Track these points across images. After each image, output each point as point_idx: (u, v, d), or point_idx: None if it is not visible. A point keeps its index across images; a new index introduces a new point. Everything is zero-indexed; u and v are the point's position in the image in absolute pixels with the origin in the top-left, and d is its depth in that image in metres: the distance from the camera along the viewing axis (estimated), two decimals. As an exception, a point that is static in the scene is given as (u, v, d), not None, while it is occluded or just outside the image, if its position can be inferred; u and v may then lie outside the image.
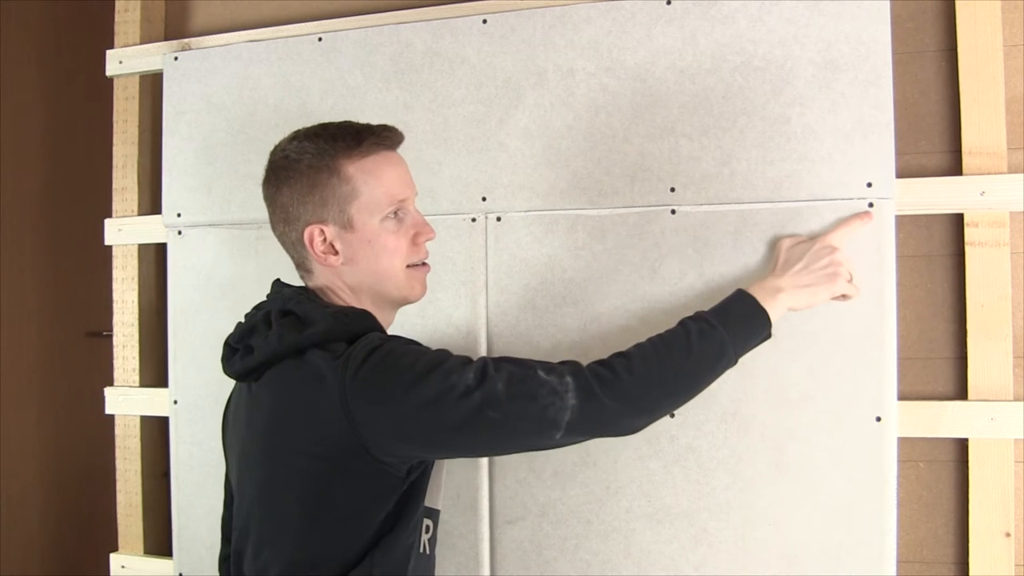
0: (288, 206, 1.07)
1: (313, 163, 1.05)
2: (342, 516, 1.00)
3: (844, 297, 1.14)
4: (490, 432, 0.96)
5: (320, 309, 1.04)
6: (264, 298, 1.14)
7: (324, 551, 1.00)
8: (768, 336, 1.08)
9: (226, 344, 1.11)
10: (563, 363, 1.00)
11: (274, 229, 1.11)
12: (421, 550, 1.09)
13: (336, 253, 1.07)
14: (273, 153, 1.10)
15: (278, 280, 1.15)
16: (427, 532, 1.11)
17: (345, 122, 1.09)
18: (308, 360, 1.00)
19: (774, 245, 1.20)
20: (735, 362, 1.05)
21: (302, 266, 1.11)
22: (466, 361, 0.99)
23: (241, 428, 1.09)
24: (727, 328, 1.04)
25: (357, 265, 1.07)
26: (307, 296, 1.08)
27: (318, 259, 1.07)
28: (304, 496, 1.01)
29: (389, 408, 0.96)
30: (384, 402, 0.96)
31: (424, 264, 1.12)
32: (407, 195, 1.09)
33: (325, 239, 1.06)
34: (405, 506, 1.04)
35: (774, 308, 1.08)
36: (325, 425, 0.97)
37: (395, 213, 1.07)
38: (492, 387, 0.95)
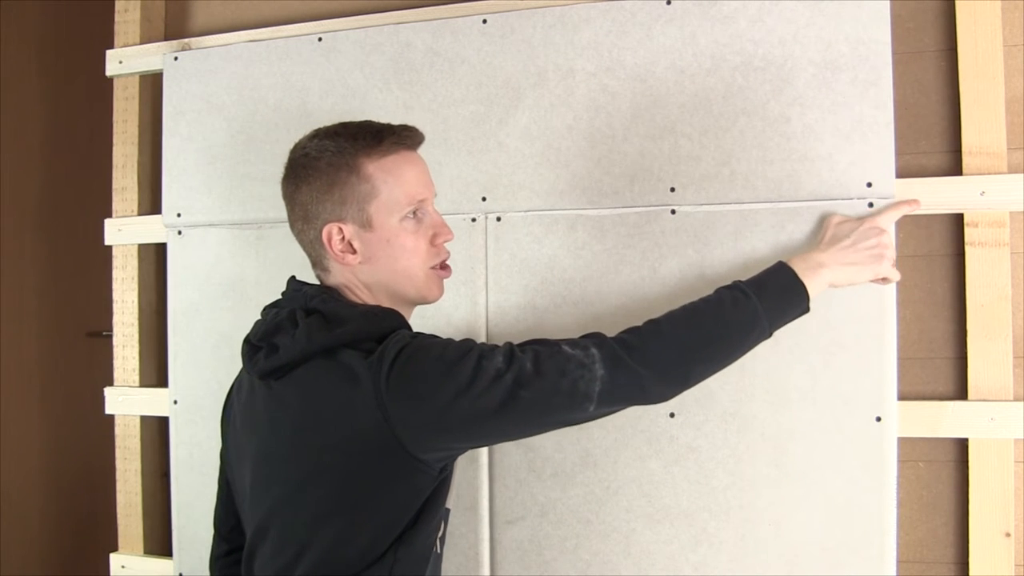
0: (307, 204, 1.07)
1: (333, 161, 1.05)
2: (373, 513, 1.00)
3: (885, 280, 1.13)
4: (526, 412, 0.96)
5: (349, 308, 1.05)
6: (277, 296, 1.14)
7: (353, 548, 1.00)
8: (806, 310, 1.06)
9: (247, 341, 1.10)
10: (586, 336, 1.01)
11: (292, 227, 1.11)
12: (436, 549, 1.09)
13: (354, 252, 1.06)
14: (293, 151, 1.09)
15: (294, 278, 1.14)
16: (438, 531, 1.11)
17: (366, 121, 1.09)
18: (340, 360, 1.00)
19: (822, 221, 1.19)
20: (770, 334, 1.04)
21: (319, 264, 1.11)
22: (493, 347, 0.99)
23: (261, 428, 1.08)
24: (761, 299, 1.03)
25: (375, 264, 1.07)
26: (331, 295, 1.08)
27: (336, 258, 1.06)
28: (336, 494, 1.01)
29: (425, 402, 0.96)
30: (419, 396, 0.96)
31: (445, 266, 1.12)
32: (426, 195, 1.08)
33: (344, 238, 1.06)
34: (428, 505, 1.04)
35: (814, 283, 1.06)
36: (360, 423, 0.97)
37: (414, 213, 1.07)
38: (521, 367, 0.96)
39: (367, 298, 1.09)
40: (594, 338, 1.00)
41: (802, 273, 1.06)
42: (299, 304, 1.07)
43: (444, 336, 1.26)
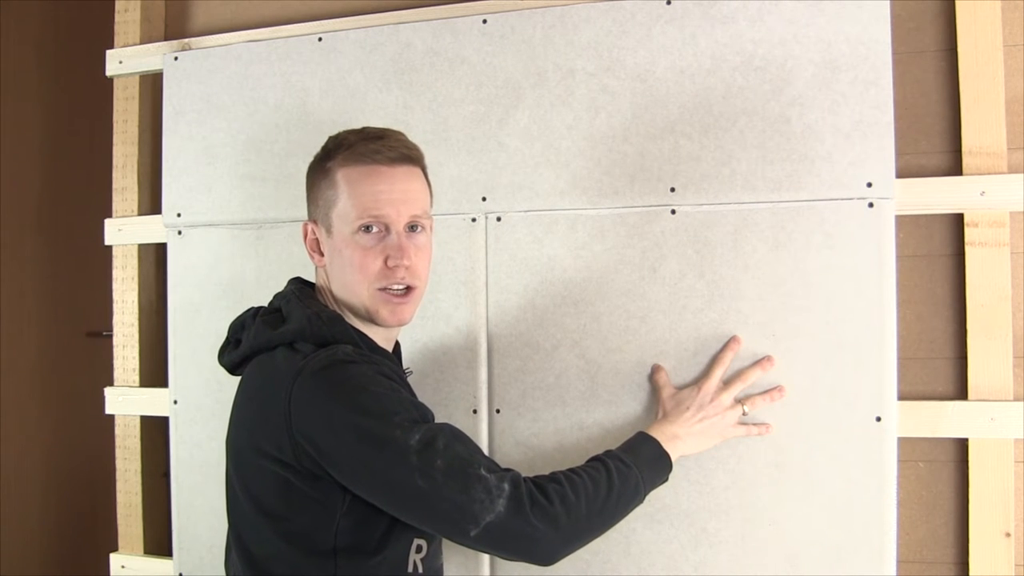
0: (307, 196, 1.12)
1: (316, 162, 1.10)
2: (285, 518, 1.00)
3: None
4: (413, 499, 0.94)
5: (301, 309, 1.06)
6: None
7: (280, 554, 1.00)
8: (666, 480, 1.11)
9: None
10: (507, 470, 0.99)
11: None
12: (410, 570, 1.06)
13: (321, 254, 1.10)
14: None
15: (296, 277, 1.17)
16: (418, 552, 1.07)
17: (365, 128, 1.10)
18: (275, 358, 1.02)
19: (654, 392, 1.24)
20: (643, 501, 1.07)
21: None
22: (418, 420, 0.97)
23: (232, 422, 1.11)
24: (640, 469, 1.07)
25: (332, 271, 1.09)
26: (299, 295, 1.09)
27: (308, 255, 1.11)
28: (255, 495, 1.02)
29: (323, 426, 0.95)
30: (320, 417, 0.95)
31: (394, 292, 1.06)
32: (384, 213, 1.04)
33: (315, 237, 1.10)
34: (364, 527, 1.01)
35: (673, 453, 1.12)
36: (272, 423, 0.98)
37: (366, 228, 1.04)
38: (431, 459, 0.94)
39: (331, 303, 1.10)
40: (513, 475, 0.97)
41: (664, 444, 1.11)
42: (274, 302, 1.11)
43: (445, 336, 1.26)
